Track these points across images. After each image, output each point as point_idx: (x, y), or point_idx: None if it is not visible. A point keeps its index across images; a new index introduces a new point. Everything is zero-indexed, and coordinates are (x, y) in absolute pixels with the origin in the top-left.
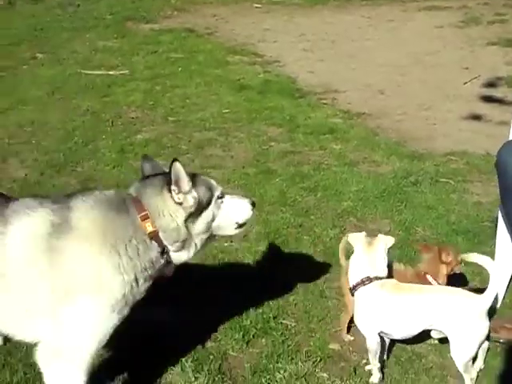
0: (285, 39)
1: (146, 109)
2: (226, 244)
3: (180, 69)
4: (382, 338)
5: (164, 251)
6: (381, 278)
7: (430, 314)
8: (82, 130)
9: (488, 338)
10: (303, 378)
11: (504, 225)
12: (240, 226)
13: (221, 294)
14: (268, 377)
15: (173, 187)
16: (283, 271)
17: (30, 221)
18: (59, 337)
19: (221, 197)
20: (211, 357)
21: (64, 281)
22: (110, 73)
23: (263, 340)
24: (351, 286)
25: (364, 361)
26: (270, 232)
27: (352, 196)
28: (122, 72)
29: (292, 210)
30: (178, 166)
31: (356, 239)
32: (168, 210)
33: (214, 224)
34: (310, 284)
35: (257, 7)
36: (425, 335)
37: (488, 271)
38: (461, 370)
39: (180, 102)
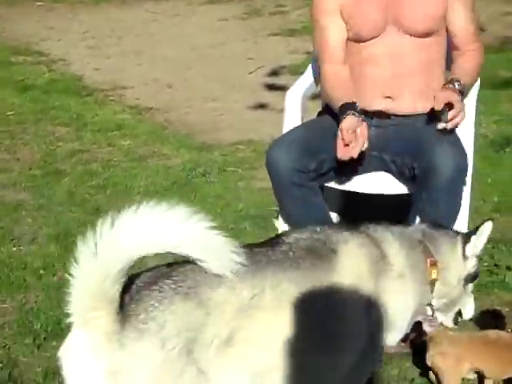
0: (69, 37)
1: None
2: (14, 248)
3: None
4: None
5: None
6: None
7: None
8: None
9: None
10: None
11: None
12: None
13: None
14: (60, 379)
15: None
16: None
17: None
18: None
19: None
20: (0, 364)
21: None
22: None
23: (54, 343)
24: None
25: None
26: (59, 233)
27: (142, 191)
28: None
29: (82, 210)
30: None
31: None
32: (455, 267)
33: None
34: None
35: (39, 5)
36: None
37: None
38: None
39: None
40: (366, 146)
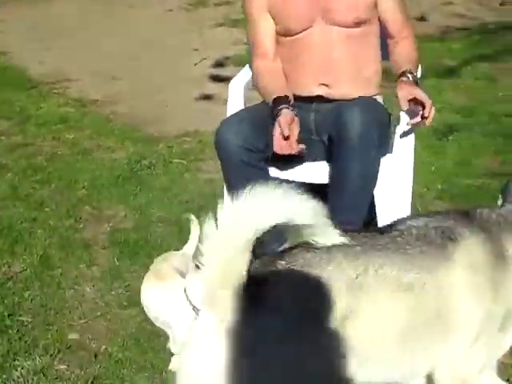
0: (14, 30)
1: None
2: None
3: None
4: None
5: None
6: None
7: None
8: None
9: None
10: (41, 373)
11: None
12: None
13: None
14: (5, 376)
15: None
16: (18, 268)
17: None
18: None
19: None
20: None
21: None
22: None
23: None
24: None
25: (104, 347)
26: (3, 228)
27: (87, 184)
28: None
29: (25, 204)
30: None
31: None
32: None
33: None
34: (46, 277)
35: None
36: None
37: None
38: None
39: None
40: (302, 146)
